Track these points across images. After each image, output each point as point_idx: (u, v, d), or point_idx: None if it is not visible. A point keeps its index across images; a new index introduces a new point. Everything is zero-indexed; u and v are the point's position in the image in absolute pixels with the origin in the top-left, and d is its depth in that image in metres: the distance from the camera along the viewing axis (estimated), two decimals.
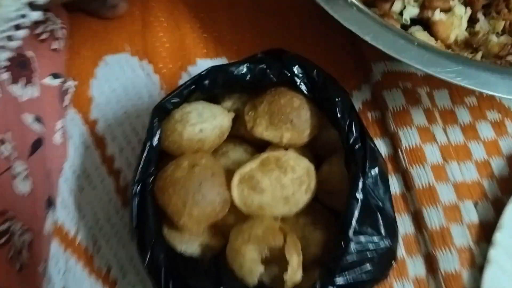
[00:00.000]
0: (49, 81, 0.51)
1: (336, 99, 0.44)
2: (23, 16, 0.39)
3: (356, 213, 0.41)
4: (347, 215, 0.41)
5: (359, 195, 0.41)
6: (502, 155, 0.54)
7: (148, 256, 0.42)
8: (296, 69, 0.46)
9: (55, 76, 0.52)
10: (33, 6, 0.39)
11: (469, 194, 0.52)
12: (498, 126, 0.56)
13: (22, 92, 0.47)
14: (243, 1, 0.65)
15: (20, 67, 0.47)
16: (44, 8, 0.42)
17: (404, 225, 0.52)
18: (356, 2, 0.47)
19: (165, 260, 0.41)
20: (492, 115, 0.56)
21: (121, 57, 0.61)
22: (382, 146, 0.55)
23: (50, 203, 0.49)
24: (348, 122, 0.44)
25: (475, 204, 0.52)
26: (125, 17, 0.63)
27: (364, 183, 0.42)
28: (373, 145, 0.46)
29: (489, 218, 0.51)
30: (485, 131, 0.56)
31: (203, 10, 0.64)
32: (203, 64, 0.61)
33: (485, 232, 0.50)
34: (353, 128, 0.43)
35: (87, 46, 0.61)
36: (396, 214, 0.52)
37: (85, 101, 0.58)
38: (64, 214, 0.53)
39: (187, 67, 0.60)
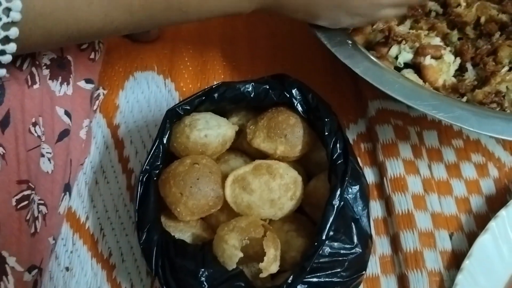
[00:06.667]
0: (82, 84, 0.59)
1: (326, 119, 0.50)
2: None
3: (331, 219, 0.46)
4: (323, 219, 0.46)
5: (336, 202, 0.46)
6: (482, 194, 0.58)
7: (144, 236, 0.47)
8: (294, 92, 0.53)
9: (88, 81, 0.60)
10: None
11: (445, 224, 0.56)
12: (481, 168, 0.60)
13: (58, 88, 0.54)
14: (261, 38, 0.73)
15: (59, 67, 0.54)
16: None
17: (383, 246, 0.56)
18: (351, 42, 0.54)
19: (158, 240, 0.47)
20: (477, 157, 0.61)
21: (148, 74, 0.69)
22: (370, 174, 0.60)
23: (67, 188, 0.56)
24: (333, 139, 0.49)
25: (451, 235, 0.56)
26: (157, 42, 0.72)
27: (342, 193, 0.47)
28: (357, 167, 0.51)
29: (463, 248, 0.55)
30: (468, 171, 0.60)
31: (226, 42, 0.73)
32: None
33: (457, 261, 0.54)
34: (338, 145, 0.49)
35: (121, 63, 0.70)
36: (376, 236, 0.57)
37: (112, 108, 0.66)
38: (78, 202, 0.59)
39: (204, 88, 0.67)
